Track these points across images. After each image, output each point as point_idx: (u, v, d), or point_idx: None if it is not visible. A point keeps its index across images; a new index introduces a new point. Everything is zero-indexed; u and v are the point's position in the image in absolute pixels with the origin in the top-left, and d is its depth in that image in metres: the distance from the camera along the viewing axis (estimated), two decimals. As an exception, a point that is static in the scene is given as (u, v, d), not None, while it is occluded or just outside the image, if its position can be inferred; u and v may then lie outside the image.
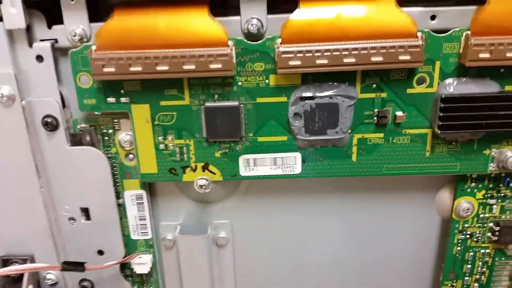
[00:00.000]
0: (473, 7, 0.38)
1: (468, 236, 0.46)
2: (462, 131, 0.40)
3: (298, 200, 0.47)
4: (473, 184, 0.44)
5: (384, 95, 0.40)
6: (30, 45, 0.39)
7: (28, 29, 0.39)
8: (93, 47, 0.37)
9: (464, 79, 0.39)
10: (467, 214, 0.45)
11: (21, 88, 0.40)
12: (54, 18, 0.39)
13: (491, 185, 0.44)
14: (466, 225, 0.46)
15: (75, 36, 0.39)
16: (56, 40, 0.39)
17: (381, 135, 0.41)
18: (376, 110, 0.40)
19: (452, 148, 0.42)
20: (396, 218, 0.47)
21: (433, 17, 0.39)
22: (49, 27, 0.39)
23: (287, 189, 0.46)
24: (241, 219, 0.48)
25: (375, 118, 0.40)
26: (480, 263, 0.47)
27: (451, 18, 0.39)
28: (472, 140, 0.41)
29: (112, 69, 0.37)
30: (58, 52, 0.40)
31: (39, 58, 0.39)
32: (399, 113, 0.40)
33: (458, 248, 0.47)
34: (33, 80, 0.40)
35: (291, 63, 0.37)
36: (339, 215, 0.48)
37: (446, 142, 0.41)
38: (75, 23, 0.39)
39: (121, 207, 0.45)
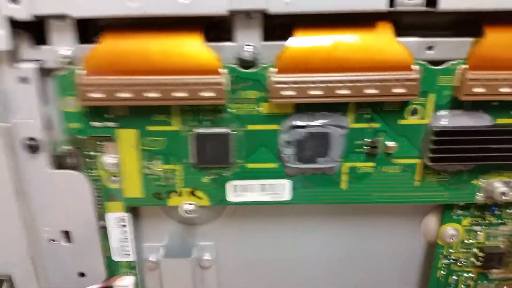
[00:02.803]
0: (470, 39, 0.39)
1: (452, 261, 0.49)
2: (453, 164, 0.42)
3: (285, 223, 0.48)
4: (459, 211, 0.46)
5: (376, 125, 0.41)
6: (14, 65, 0.39)
7: (13, 49, 0.39)
8: (82, 72, 0.38)
9: (457, 112, 0.41)
10: (452, 240, 0.47)
11: (3, 109, 0.40)
12: (41, 37, 0.39)
13: (477, 213, 0.46)
14: (451, 250, 0.48)
15: (63, 58, 0.39)
16: (43, 61, 0.39)
17: (372, 164, 0.43)
18: (367, 140, 0.42)
19: (441, 178, 0.43)
20: (382, 241, 0.49)
21: (430, 48, 0.40)
22: (35, 47, 0.39)
23: (274, 213, 0.48)
24: (226, 241, 0.49)
25: (366, 147, 0.42)
26: (463, 286, 0.50)
27: (448, 49, 0.40)
28: (462, 170, 0.43)
29: (101, 95, 0.38)
30: (45, 72, 0.40)
31: (24, 79, 0.39)
32: (390, 144, 0.42)
33: (442, 272, 0.49)
34: (16, 102, 0.40)
35: (284, 93, 0.38)
36: (325, 239, 0.49)
37: (436, 172, 0.43)
38: (63, 43, 0.39)
39: (103, 229, 0.45)
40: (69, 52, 0.39)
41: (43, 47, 0.39)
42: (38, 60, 0.40)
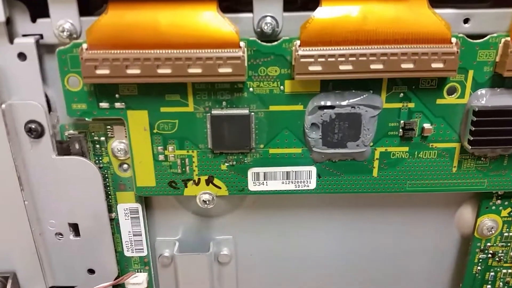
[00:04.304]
0: (511, 10, 0.34)
1: (489, 255, 0.42)
2: (494, 147, 0.36)
3: (309, 215, 0.42)
4: (498, 201, 0.40)
5: (411, 105, 0.35)
6: (11, 41, 0.33)
7: (9, 22, 0.33)
8: (84, 45, 0.32)
9: (498, 90, 0.35)
10: (490, 233, 0.41)
11: (1, 89, 0.34)
12: (39, 10, 0.33)
13: (518, 203, 0.40)
14: (489, 244, 0.42)
15: (63, 31, 0.33)
16: (41, 36, 0.34)
17: (406, 148, 0.36)
18: (402, 121, 0.35)
19: (480, 164, 0.37)
20: (413, 234, 0.43)
21: (466, 20, 0.34)
22: (33, 20, 0.33)
23: (297, 203, 0.42)
24: (245, 234, 0.43)
25: (401, 130, 0.36)
26: (501, 283, 0.44)
27: (487, 21, 0.34)
28: (503, 155, 0.37)
29: (106, 71, 0.32)
30: (44, 49, 0.34)
31: (22, 55, 0.33)
32: (427, 125, 0.36)
33: (479, 267, 0.43)
34: (14, 81, 0.34)
35: (311, 68, 0.32)
36: (352, 231, 0.43)
37: (475, 157, 0.37)
38: (63, 16, 0.33)
39: (114, 222, 0.40)
40: (69, 25, 0.33)
41: (42, 20, 0.33)
42: (37, 35, 0.34)
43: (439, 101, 0.35)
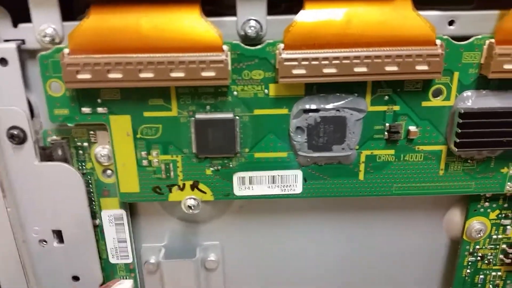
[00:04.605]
0: (496, 12, 0.34)
1: (479, 258, 0.42)
2: (481, 149, 0.35)
3: (296, 219, 0.41)
4: (486, 203, 0.40)
5: (396, 108, 0.35)
6: (-8, 46, 0.33)
7: (-11, 27, 0.33)
8: (66, 50, 0.31)
9: (484, 92, 0.35)
10: (479, 235, 0.40)
11: (-18, 95, 0.34)
12: (21, 15, 0.33)
13: (506, 205, 0.40)
14: (478, 246, 0.41)
15: (45, 36, 0.32)
16: (23, 41, 0.33)
17: (392, 151, 0.36)
18: (387, 124, 0.35)
19: (467, 167, 0.37)
20: (401, 238, 0.43)
21: (451, 22, 0.34)
22: (15, 25, 0.33)
23: (284, 208, 0.41)
24: (233, 240, 0.42)
25: (386, 133, 0.35)
26: (491, 286, 0.43)
27: (471, 23, 0.34)
28: (490, 157, 0.36)
29: (88, 76, 0.31)
30: (26, 54, 0.34)
31: (3, 61, 0.33)
32: (412, 128, 0.35)
33: (468, 270, 0.42)
34: (-4, 86, 0.34)
35: (295, 71, 0.32)
36: (340, 236, 0.42)
37: (462, 159, 0.36)
38: (45, 21, 0.32)
39: (98, 228, 0.39)
40: (52, 29, 0.32)
41: (24, 25, 0.33)
42: (18, 40, 0.33)
43: (424, 104, 0.35)
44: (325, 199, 0.39)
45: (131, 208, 0.40)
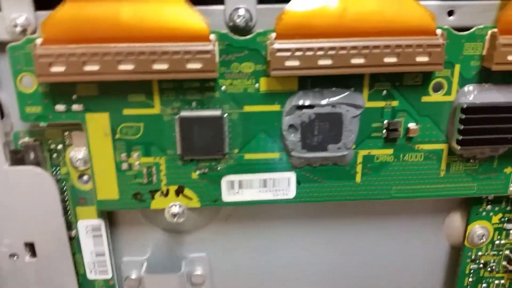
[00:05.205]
0: (497, 2, 0.32)
1: (481, 265, 0.39)
2: (485, 146, 0.33)
3: (289, 226, 0.38)
4: (489, 206, 0.37)
5: (395, 103, 0.32)
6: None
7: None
8: (38, 41, 0.28)
9: (486, 86, 0.32)
10: (481, 241, 0.38)
11: None
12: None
13: (509, 208, 0.37)
14: (480, 253, 0.39)
15: (16, 26, 0.29)
16: (-10, 31, 0.30)
17: (390, 151, 0.33)
18: (386, 121, 0.32)
19: (469, 167, 0.34)
20: (400, 245, 0.40)
21: (450, 13, 0.32)
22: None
23: (276, 215, 0.38)
24: (220, 251, 0.39)
25: (385, 131, 0.33)
26: (494, 295, 0.40)
27: (472, 13, 0.32)
28: (492, 156, 0.34)
29: (62, 69, 0.28)
30: (-6, 45, 0.31)
31: (-33, 54, 0.30)
32: (412, 126, 0.33)
33: (470, 279, 0.39)
34: (-40, 83, 0.30)
35: (288, 63, 0.29)
36: (335, 243, 0.39)
37: (463, 159, 0.34)
38: (16, 10, 0.29)
39: (74, 240, 0.35)
40: (23, 19, 0.29)
41: (-10, 14, 0.30)
42: None
43: (424, 99, 0.32)
44: (319, 203, 0.36)
45: (110, 217, 0.36)
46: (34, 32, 0.30)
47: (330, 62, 0.29)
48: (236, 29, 0.31)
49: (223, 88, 0.31)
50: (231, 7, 0.30)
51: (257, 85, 0.31)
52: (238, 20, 0.30)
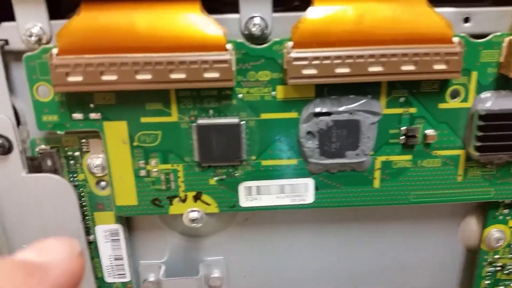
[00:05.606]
0: None
1: (498, 268, 0.39)
2: (503, 153, 0.33)
3: (306, 231, 0.38)
4: (505, 210, 0.37)
5: (413, 110, 0.32)
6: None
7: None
8: (54, 50, 0.28)
9: (503, 92, 0.32)
10: (498, 244, 0.37)
11: (-38, 101, 0.30)
12: (4, 13, 0.29)
13: (526, 212, 0.37)
14: (497, 256, 0.38)
15: (31, 36, 0.29)
16: (6, 41, 0.30)
17: (409, 157, 0.33)
18: (404, 128, 0.32)
19: (487, 172, 0.34)
20: (416, 248, 0.39)
21: (466, 20, 0.32)
22: (-3, 22, 0.30)
23: (293, 219, 0.37)
24: (238, 254, 0.39)
25: (403, 138, 0.32)
26: (511, 298, 0.40)
27: (488, 20, 0.32)
28: (510, 162, 0.34)
29: (79, 78, 0.28)
30: (10, 56, 0.30)
31: (-16, 63, 0.29)
32: (429, 132, 0.32)
33: (487, 281, 0.39)
34: (-23, 92, 0.30)
35: (305, 72, 0.29)
36: (352, 248, 0.39)
37: (481, 164, 0.33)
38: (31, 20, 0.29)
39: (92, 245, 0.35)
40: (38, 28, 0.29)
41: (7, 24, 0.30)
42: (1, 40, 0.30)
43: (441, 106, 0.32)
44: (335, 209, 0.36)
45: (128, 222, 0.36)
46: (49, 41, 0.30)
47: (347, 71, 0.29)
48: (251, 37, 0.30)
49: (240, 96, 0.30)
50: (246, 16, 0.30)
51: (273, 93, 0.31)
52: (253, 29, 0.30)
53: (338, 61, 0.29)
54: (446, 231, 0.39)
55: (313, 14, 0.29)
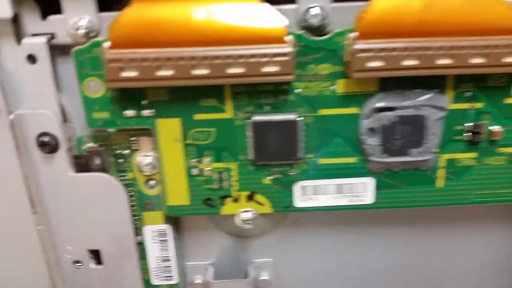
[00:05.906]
0: None
1: (559, 271, 0.37)
2: None
3: (360, 232, 0.36)
4: None
5: (479, 105, 0.30)
6: (19, 41, 0.28)
7: (16, 20, 0.28)
8: (106, 44, 0.26)
9: None
10: (560, 246, 0.35)
11: (8, 97, 0.29)
12: (50, 6, 0.28)
13: None
14: (557, 258, 0.36)
15: (78, 29, 0.27)
16: (52, 35, 0.28)
17: (474, 154, 0.31)
18: (470, 124, 0.30)
19: (553, 171, 0.32)
20: (469, 249, 0.37)
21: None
22: (44, 17, 0.28)
23: (347, 220, 0.36)
24: (287, 256, 0.37)
25: (469, 134, 0.30)
26: None
27: None
28: None
29: (134, 74, 0.26)
30: (56, 50, 0.29)
31: (31, 58, 0.28)
32: (495, 128, 0.30)
33: (545, 285, 0.37)
34: (23, 87, 0.29)
35: (370, 64, 0.27)
36: (405, 249, 0.37)
37: (546, 162, 0.32)
38: (78, 12, 0.28)
39: (139, 246, 0.34)
40: (86, 21, 0.27)
41: (54, 17, 0.28)
42: (48, 34, 0.28)
43: (507, 101, 0.30)
44: (390, 209, 0.34)
45: (176, 222, 0.35)
46: (97, 35, 0.28)
47: (415, 63, 0.27)
48: (308, 28, 0.28)
49: (297, 91, 0.29)
50: (304, 6, 0.28)
51: (332, 87, 0.29)
52: (312, 20, 0.28)
53: (406, 53, 0.27)
54: (502, 232, 0.37)
55: (380, 3, 0.27)
